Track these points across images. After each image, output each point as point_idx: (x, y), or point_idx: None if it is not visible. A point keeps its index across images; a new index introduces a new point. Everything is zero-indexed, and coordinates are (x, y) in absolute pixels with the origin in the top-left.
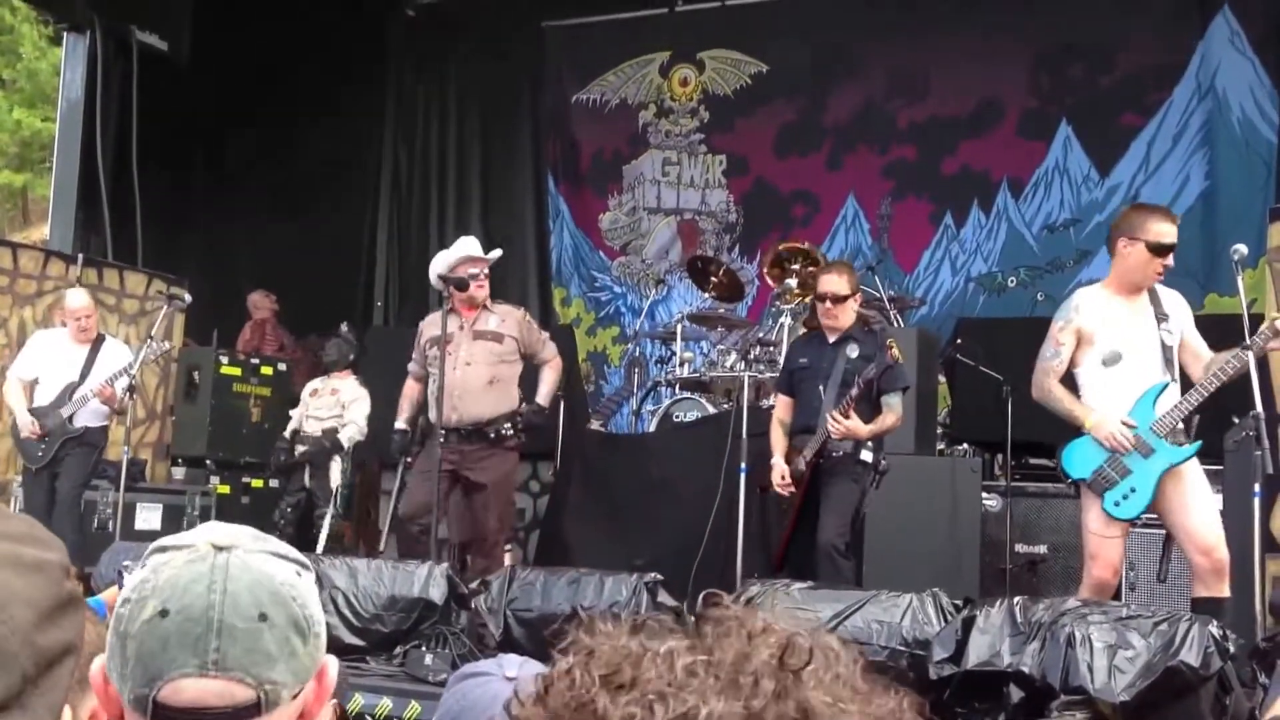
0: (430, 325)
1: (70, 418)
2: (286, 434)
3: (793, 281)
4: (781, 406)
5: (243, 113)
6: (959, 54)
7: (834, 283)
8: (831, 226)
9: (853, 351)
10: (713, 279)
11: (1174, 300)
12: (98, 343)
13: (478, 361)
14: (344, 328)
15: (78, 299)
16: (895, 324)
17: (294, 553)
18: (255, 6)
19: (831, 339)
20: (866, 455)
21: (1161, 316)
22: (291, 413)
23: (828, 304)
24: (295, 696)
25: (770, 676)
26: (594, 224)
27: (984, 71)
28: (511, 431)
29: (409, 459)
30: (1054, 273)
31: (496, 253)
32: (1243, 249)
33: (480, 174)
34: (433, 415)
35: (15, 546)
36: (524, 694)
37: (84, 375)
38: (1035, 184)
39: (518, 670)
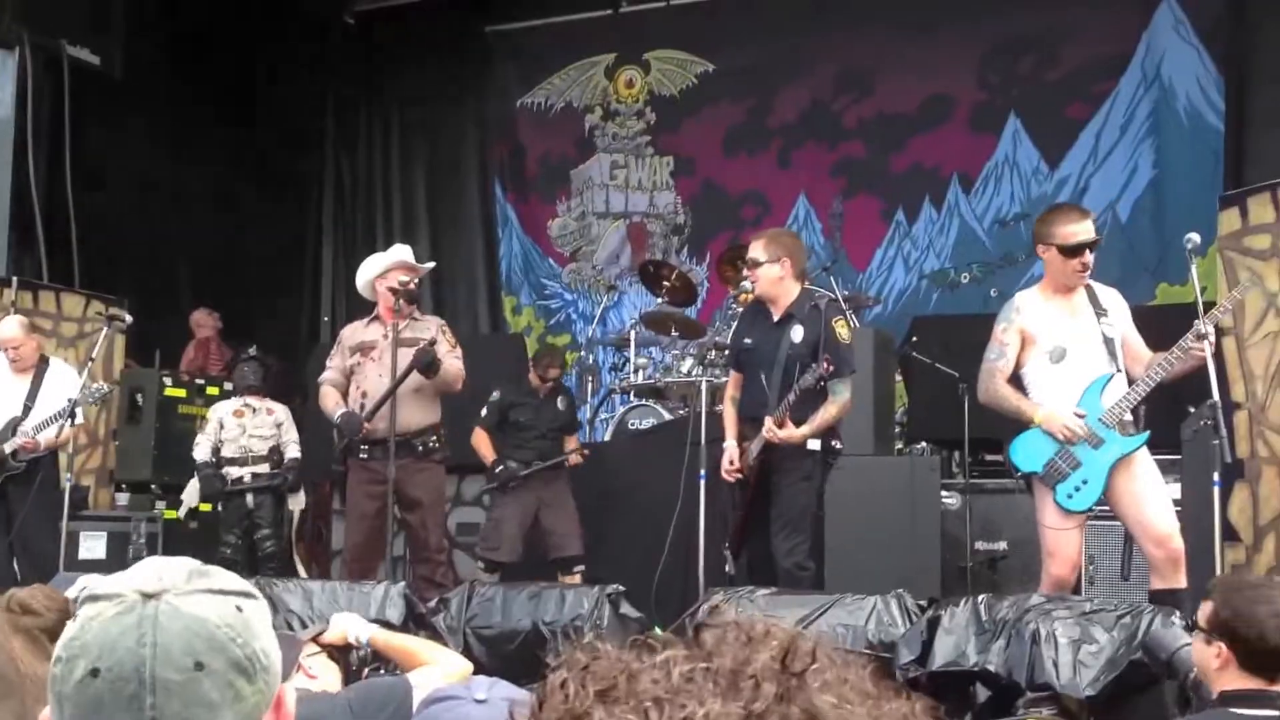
0: (353, 332)
1: (14, 454)
2: (205, 458)
3: (748, 284)
4: (733, 383)
5: (179, 127)
6: (905, 50)
7: (753, 248)
8: (783, 226)
9: (796, 335)
10: (665, 283)
11: (1112, 298)
12: (41, 369)
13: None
14: (254, 350)
15: (5, 328)
16: (852, 325)
17: (236, 583)
18: (190, 18)
19: (775, 316)
20: (814, 445)
21: (1101, 311)
22: (202, 436)
23: (746, 269)
24: None
25: (772, 680)
26: (543, 230)
27: (931, 67)
28: (438, 444)
29: (343, 466)
30: (1007, 267)
31: (430, 264)
32: (1195, 238)
33: (426, 183)
34: None
35: None
36: (518, 715)
37: (28, 407)
38: (985, 178)
39: (487, 693)
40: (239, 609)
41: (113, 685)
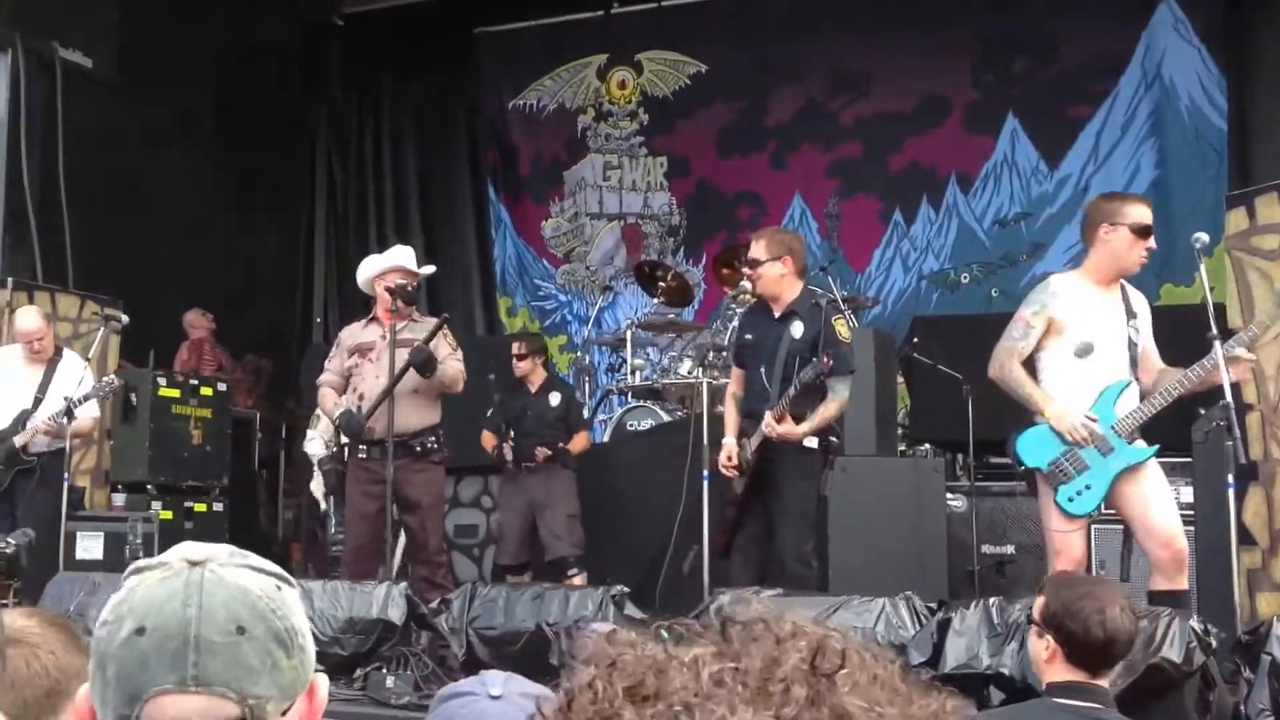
0: (351, 334)
1: (24, 448)
2: (321, 453)
3: (748, 284)
4: (734, 380)
5: (171, 128)
6: (901, 49)
7: (753, 247)
8: (779, 226)
9: (796, 331)
10: (661, 284)
11: (1141, 303)
12: (54, 361)
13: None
14: None
15: (27, 320)
16: (851, 325)
17: (274, 567)
18: (181, 21)
19: (776, 312)
20: (811, 443)
21: (1131, 314)
22: (314, 433)
23: (747, 269)
24: (285, 713)
25: (802, 682)
26: (536, 232)
27: (927, 66)
28: (436, 445)
29: (341, 466)
30: (1007, 267)
31: (429, 268)
32: (1204, 237)
33: (418, 185)
34: None
35: None
36: (547, 710)
37: (38, 400)
38: (984, 178)
39: (502, 688)
40: (278, 587)
41: (158, 643)
